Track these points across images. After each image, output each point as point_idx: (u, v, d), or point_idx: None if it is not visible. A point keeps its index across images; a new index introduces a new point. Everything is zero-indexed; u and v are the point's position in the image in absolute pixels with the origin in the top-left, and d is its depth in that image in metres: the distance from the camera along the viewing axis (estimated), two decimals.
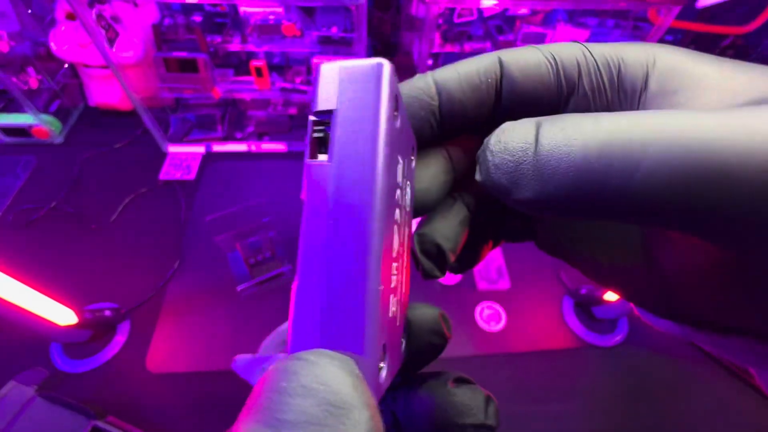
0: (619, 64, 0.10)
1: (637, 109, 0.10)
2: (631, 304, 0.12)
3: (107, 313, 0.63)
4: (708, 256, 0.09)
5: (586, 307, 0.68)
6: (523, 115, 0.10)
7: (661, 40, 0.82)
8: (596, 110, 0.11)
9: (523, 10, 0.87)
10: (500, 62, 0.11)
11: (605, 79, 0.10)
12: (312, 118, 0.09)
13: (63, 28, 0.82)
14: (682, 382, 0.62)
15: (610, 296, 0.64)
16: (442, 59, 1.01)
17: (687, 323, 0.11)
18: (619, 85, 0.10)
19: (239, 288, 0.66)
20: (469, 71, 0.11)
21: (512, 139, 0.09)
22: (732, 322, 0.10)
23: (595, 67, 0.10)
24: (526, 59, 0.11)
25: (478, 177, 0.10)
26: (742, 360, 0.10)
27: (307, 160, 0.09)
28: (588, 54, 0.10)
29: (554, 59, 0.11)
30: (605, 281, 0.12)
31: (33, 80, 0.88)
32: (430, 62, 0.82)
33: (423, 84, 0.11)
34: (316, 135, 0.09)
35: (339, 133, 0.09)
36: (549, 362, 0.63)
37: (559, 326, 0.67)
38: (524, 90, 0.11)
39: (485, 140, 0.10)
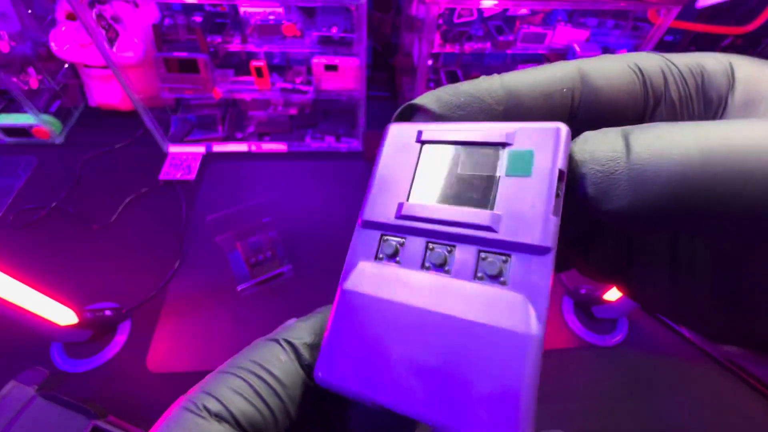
0: (702, 74, 0.10)
1: (722, 118, 0.10)
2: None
3: (108, 312, 0.63)
4: None
5: (586, 307, 0.68)
6: (602, 126, 0.09)
7: (661, 41, 0.82)
8: (683, 120, 0.10)
9: (523, 11, 0.87)
10: (581, 72, 0.10)
11: (691, 88, 0.10)
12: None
13: (63, 28, 0.82)
14: (682, 382, 0.62)
15: (610, 296, 0.64)
16: (441, 59, 1.01)
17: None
18: (704, 95, 0.10)
19: (239, 288, 0.66)
20: (545, 78, 0.10)
21: (599, 147, 0.09)
22: None
23: (680, 76, 0.10)
24: (611, 69, 0.10)
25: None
26: None
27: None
28: (671, 64, 0.10)
29: (639, 69, 0.10)
30: (676, 315, 0.11)
31: (33, 80, 0.88)
32: (430, 62, 0.82)
33: (488, 85, 0.10)
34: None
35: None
36: (549, 362, 0.63)
37: (559, 326, 0.67)
38: (609, 100, 0.10)
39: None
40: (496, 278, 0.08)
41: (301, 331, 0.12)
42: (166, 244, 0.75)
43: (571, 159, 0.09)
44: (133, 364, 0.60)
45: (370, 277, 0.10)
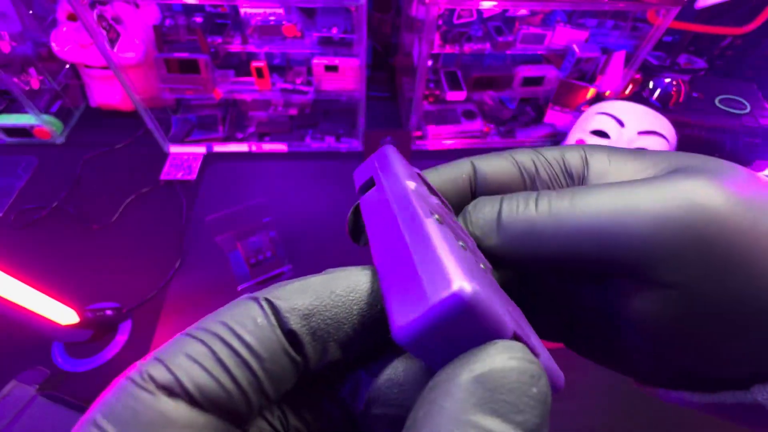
0: (563, 159, 0.14)
1: None
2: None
3: (108, 312, 0.63)
4: (657, 303, 0.11)
5: None
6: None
7: (660, 41, 0.82)
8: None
9: (523, 12, 0.87)
10: (474, 165, 0.15)
11: (556, 170, 0.14)
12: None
13: (64, 28, 0.82)
14: None
15: None
16: (441, 60, 1.02)
17: (682, 386, 0.12)
18: (566, 173, 0.14)
19: (240, 287, 0.66)
20: (450, 171, 0.15)
21: (484, 206, 0.13)
22: (714, 372, 0.11)
23: (547, 162, 0.14)
24: (495, 161, 0.15)
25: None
26: (742, 421, 0.12)
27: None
28: (539, 155, 0.15)
29: (515, 160, 0.15)
30: (621, 369, 0.14)
31: (34, 81, 0.88)
32: (429, 63, 0.82)
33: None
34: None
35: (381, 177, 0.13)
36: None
37: None
38: (495, 181, 0.14)
39: (465, 207, 0.14)
40: None
41: (293, 292, 0.10)
42: (167, 244, 0.75)
43: (467, 211, 0.13)
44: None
45: None
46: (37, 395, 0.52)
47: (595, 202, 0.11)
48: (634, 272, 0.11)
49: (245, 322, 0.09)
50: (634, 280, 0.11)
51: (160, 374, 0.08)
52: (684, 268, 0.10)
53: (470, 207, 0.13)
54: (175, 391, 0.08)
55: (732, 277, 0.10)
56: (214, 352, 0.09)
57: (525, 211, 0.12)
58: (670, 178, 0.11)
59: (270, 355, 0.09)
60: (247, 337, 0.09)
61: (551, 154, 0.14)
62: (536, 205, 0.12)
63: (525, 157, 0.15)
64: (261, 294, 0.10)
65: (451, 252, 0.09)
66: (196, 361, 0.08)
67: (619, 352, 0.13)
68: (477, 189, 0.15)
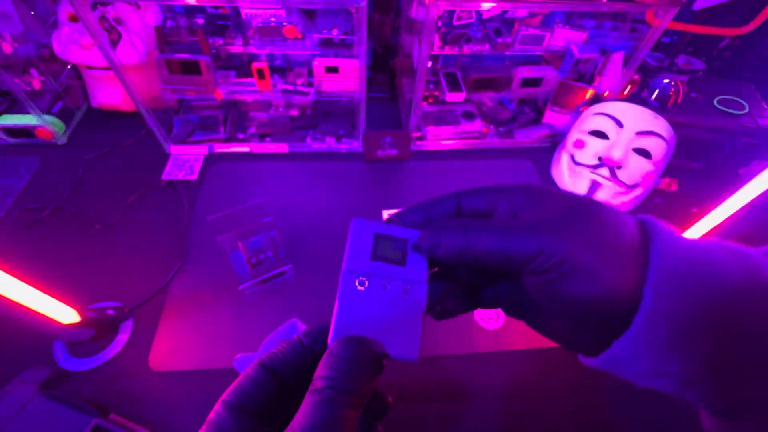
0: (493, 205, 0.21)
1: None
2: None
3: (110, 312, 0.64)
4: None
5: None
6: None
7: (659, 42, 0.82)
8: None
9: (522, 13, 0.88)
10: (459, 199, 0.22)
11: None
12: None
13: (66, 29, 0.83)
14: None
15: None
16: (441, 61, 1.02)
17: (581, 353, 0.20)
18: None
19: (241, 287, 0.67)
20: (438, 207, 0.22)
21: (436, 234, 0.20)
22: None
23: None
24: (472, 198, 0.21)
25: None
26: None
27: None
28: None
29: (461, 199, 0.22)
30: (550, 337, 0.21)
31: (36, 81, 0.88)
32: (429, 64, 0.82)
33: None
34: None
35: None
36: (545, 360, 0.64)
37: None
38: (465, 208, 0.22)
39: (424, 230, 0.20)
40: (405, 291, 0.20)
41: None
42: (169, 244, 0.75)
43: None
44: (135, 363, 0.61)
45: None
46: (38, 394, 0.52)
47: (488, 238, 0.18)
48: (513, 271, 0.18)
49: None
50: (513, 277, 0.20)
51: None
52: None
53: (422, 236, 0.20)
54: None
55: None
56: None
57: (455, 241, 0.19)
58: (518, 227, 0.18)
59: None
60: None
61: (504, 199, 0.20)
62: (462, 236, 0.18)
63: (492, 198, 0.21)
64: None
65: (339, 310, 0.19)
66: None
67: (541, 327, 0.22)
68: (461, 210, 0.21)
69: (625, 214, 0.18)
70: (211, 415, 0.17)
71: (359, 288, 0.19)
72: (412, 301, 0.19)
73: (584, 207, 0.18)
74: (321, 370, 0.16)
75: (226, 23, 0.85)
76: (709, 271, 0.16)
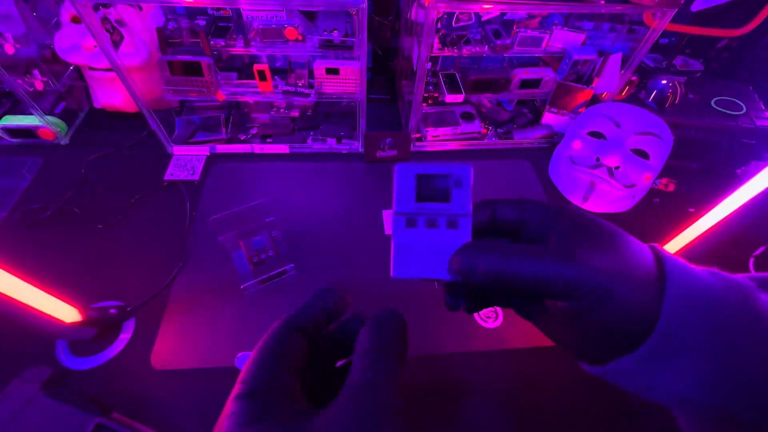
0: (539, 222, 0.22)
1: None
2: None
3: (112, 311, 0.64)
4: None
5: None
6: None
7: (657, 44, 0.83)
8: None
9: (520, 15, 0.88)
10: (494, 208, 0.23)
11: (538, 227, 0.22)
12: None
13: (68, 31, 0.83)
14: None
15: None
16: (440, 63, 1.03)
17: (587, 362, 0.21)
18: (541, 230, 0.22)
19: (243, 286, 0.67)
20: (481, 211, 0.24)
21: (470, 254, 0.20)
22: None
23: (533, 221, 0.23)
24: (505, 208, 0.23)
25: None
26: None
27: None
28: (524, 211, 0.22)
29: (523, 209, 0.22)
30: (556, 342, 0.23)
31: (38, 82, 0.89)
32: (428, 66, 0.83)
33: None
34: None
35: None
36: (545, 357, 0.64)
37: None
38: (500, 220, 0.23)
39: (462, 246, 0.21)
40: (451, 225, 0.21)
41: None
42: (171, 244, 0.76)
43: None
44: (138, 362, 0.61)
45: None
46: (40, 393, 0.53)
47: (526, 265, 0.19)
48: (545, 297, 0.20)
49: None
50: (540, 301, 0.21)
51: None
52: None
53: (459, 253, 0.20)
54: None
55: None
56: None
57: (492, 265, 0.19)
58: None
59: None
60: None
61: (537, 215, 0.21)
62: (499, 261, 0.19)
63: (527, 213, 0.22)
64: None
65: (395, 251, 0.21)
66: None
67: (549, 333, 0.23)
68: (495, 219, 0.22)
69: (641, 243, 0.20)
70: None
71: (409, 228, 0.21)
72: (459, 233, 0.20)
73: (614, 236, 0.19)
74: (370, 335, 0.18)
75: (228, 25, 0.85)
76: (713, 301, 0.17)
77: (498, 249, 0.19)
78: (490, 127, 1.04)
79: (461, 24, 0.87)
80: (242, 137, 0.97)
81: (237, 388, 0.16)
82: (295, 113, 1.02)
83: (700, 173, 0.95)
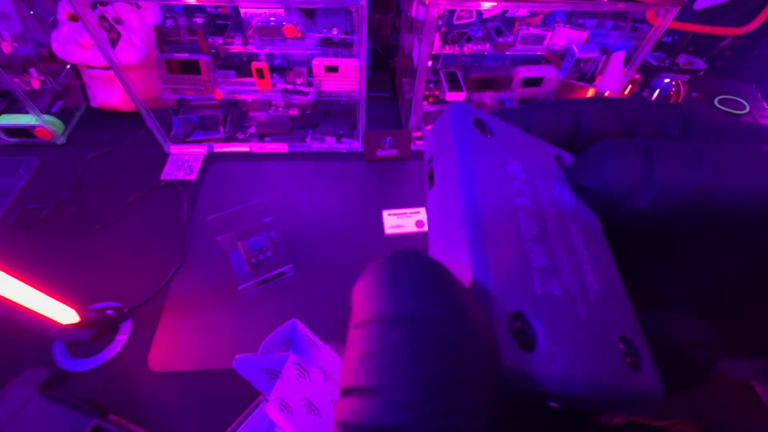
0: (663, 124, 0.13)
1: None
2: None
3: (110, 312, 0.64)
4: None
5: None
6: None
7: (660, 42, 0.82)
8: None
9: (522, 12, 0.88)
10: (578, 111, 0.13)
11: (655, 132, 0.13)
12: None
13: (65, 29, 0.82)
14: None
15: None
16: (441, 60, 1.02)
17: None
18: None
19: (240, 287, 0.67)
20: (551, 117, 0.13)
21: (627, 157, 0.10)
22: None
23: (647, 122, 0.13)
24: (598, 110, 0.13)
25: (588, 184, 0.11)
26: None
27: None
28: (639, 112, 0.13)
29: (620, 111, 0.13)
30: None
31: (35, 81, 0.88)
32: (429, 63, 0.82)
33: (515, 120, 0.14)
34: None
35: (435, 167, 0.12)
36: None
37: None
38: (595, 134, 0.13)
39: (577, 158, 0.12)
40: None
41: None
42: (168, 244, 0.75)
43: (597, 161, 0.11)
44: (135, 363, 0.61)
45: None
46: (38, 394, 0.52)
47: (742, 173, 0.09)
48: None
49: None
50: None
51: None
52: None
53: (591, 154, 0.11)
54: None
55: None
56: None
57: (687, 169, 0.10)
58: None
59: None
60: None
61: (651, 113, 0.12)
62: (699, 163, 0.10)
63: (629, 112, 0.13)
64: None
65: (430, 227, 0.12)
66: None
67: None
68: (577, 142, 0.13)
69: None
70: None
71: None
72: None
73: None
74: None
75: (226, 23, 0.85)
76: None
77: (690, 148, 0.10)
78: None
79: (462, 21, 0.86)
80: (240, 136, 0.96)
81: None
82: (294, 112, 1.01)
83: None
